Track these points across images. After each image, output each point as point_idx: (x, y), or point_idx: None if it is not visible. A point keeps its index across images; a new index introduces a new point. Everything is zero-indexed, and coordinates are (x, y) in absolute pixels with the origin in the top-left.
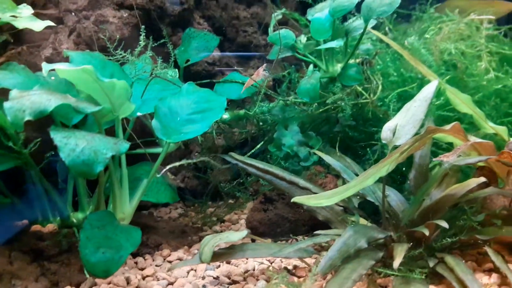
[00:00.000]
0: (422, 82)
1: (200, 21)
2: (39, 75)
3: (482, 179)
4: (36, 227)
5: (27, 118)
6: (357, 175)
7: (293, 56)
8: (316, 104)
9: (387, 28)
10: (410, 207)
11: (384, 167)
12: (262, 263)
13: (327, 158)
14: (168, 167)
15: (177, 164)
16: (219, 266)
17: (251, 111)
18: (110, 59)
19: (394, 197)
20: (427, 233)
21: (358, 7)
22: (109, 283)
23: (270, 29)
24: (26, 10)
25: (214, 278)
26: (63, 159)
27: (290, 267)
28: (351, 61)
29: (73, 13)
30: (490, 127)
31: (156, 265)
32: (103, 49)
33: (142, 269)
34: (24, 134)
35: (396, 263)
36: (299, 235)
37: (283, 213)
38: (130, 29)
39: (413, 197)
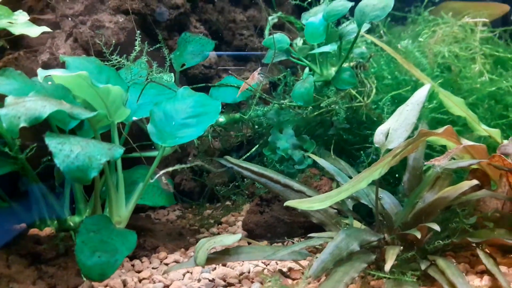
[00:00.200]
0: (416, 85)
1: (196, 24)
2: (36, 80)
3: (475, 182)
4: (33, 231)
5: (22, 124)
6: (351, 177)
7: (289, 59)
8: (311, 107)
9: (382, 31)
10: (403, 210)
11: (376, 171)
12: (257, 265)
13: (321, 161)
14: (161, 172)
15: (170, 169)
16: (215, 268)
17: (246, 115)
18: (107, 64)
19: (387, 200)
20: (419, 236)
21: (352, 11)
22: (106, 286)
23: (266, 32)
24: (22, 16)
25: (209, 280)
26: (58, 165)
27: (285, 269)
28: (345, 64)
29: (69, 18)
30: (483, 129)
31: (153, 268)
32: (99, 53)
33: (138, 272)
34: (21, 139)
35: (387, 266)
36: (295, 236)
37: (279, 215)
38: (126, 34)
39: (407, 199)
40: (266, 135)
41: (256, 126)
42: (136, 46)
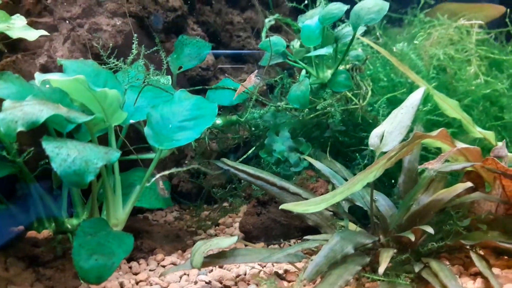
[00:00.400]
0: (412, 87)
1: (194, 26)
2: (33, 84)
3: (469, 184)
4: (31, 233)
5: (20, 129)
6: (346, 180)
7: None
8: (307, 109)
9: (378, 33)
10: (398, 212)
11: (371, 173)
12: (253, 267)
13: (317, 164)
14: (158, 175)
15: (167, 172)
16: (212, 270)
17: (243, 117)
18: (104, 67)
19: (382, 202)
20: (413, 238)
21: (348, 13)
22: None
23: (263, 35)
24: (19, 21)
25: (206, 283)
26: (55, 169)
27: (281, 271)
28: (341, 67)
29: (67, 21)
30: (477, 132)
31: (150, 270)
32: (97, 56)
33: (136, 274)
34: (19, 141)
35: (381, 269)
36: (292, 238)
37: (276, 217)
38: (123, 37)
39: (402, 201)
40: (263, 137)
41: (253, 128)
42: (133, 49)
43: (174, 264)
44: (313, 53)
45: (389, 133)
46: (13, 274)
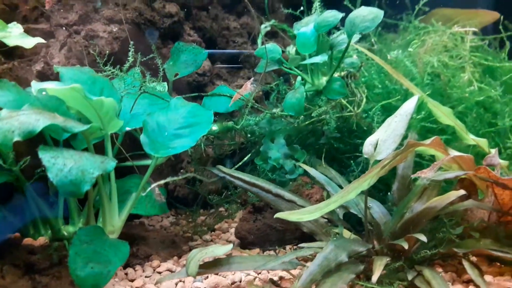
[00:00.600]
0: (407, 94)
1: (190, 32)
2: (30, 91)
3: (462, 192)
4: (27, 240)
5: (16, 138)
6: (341, 187)
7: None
8: (302, 116)
9: (373, 40)
10: (392, 220)
11: (365, 181)
12: (249, 274)
13: (312, 171)
14: (153, 185)
15: (162, 182)
16: (207, 277)
17: (239, 124)
18: (100, 74)
19: (377, 209)
20: (406, 246)
21: (343, 21)
22: None
23: (259, 41)
24: (16, 29)
25: None
26: (51, 179)
27: (275, 278)
28: (336, 74)
29: (64, 28)
30: (471, 139)
31: (146, 276)
32: (93, 63)
33: (132, 281)
34: (15, 148)
35: (374, 277)
36: (287, 244)
37: (272, 223)
38: (120, 43)
39: (396, 208)
40: (258, 143)
41: (249, 135)
42: (129, 56)
43: (170, 270)
44: (308, 61)
45: (383, 141)
46: (9, 281)
